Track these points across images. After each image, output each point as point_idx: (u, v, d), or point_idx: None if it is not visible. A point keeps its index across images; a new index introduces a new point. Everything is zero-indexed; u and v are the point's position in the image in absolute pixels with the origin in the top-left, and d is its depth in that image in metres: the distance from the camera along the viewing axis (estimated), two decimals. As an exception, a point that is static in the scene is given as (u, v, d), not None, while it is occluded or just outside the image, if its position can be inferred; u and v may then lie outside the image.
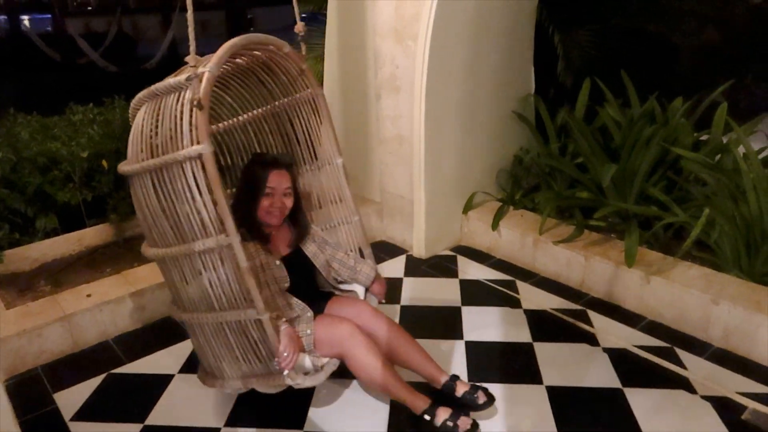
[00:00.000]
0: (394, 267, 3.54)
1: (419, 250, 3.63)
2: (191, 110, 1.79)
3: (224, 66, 2.28)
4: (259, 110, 2.58)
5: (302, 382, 1.98)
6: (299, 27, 2.38)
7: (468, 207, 3.73)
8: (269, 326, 1.89)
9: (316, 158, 2.63)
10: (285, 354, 1.95)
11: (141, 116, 2.02)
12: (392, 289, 3.26)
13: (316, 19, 4.85)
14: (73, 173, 3.71)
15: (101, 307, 2.81)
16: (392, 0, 3.35)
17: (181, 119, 1.81)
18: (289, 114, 2.58)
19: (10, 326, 2.64)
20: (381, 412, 2.31)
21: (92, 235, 3.57)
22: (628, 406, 2.34)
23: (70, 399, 2.46)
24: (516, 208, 3.74)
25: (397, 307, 3.09)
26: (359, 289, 2.55)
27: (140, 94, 2.08)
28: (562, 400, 2.38)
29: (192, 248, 1.89)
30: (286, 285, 2.27)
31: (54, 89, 10.00)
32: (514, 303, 3.12)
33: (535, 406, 2.35)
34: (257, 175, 2.23)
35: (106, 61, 11.12)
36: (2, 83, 10.85)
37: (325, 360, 2.14)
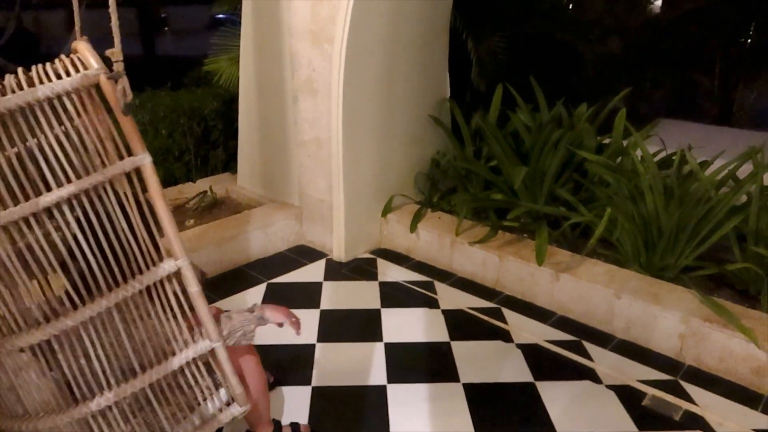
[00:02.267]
0: (314, 271, 3.51)
1: (339, 254, 3.62)
2: (91, 121, 1.44)
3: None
4: None
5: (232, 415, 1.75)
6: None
7: (387, 210, 3.76)
8: (222, 353, 1.66)
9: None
10: (292, 319, 1.87)
11: None
12: (311, 294, 3.24)
13: (232, 21, 4.76)
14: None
15: None
16: (308, 1, 3.34)
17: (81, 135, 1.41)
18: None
19: None
20: None
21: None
22: (539, 398, 2.43)
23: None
24: (434, 210, 3.81)
25: (317, 312, 3.07)
26: None
27: None
28: (478, 396, 2.44)
29: (126, 293, 1.50)
30: None
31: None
32: (433, 303, 3.18)
33: (452, 403, 2.40)
34: None
35: (5, 59, 10.39)
36: None
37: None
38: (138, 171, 1.50)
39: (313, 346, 2.77)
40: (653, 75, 6.86)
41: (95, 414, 1.54)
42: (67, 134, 1.45)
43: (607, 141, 3.65)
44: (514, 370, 2.62)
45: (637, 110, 4.83)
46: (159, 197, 1.53)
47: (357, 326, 2.95)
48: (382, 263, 3.63)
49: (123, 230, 1.50)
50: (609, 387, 2.52)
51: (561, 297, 3.08)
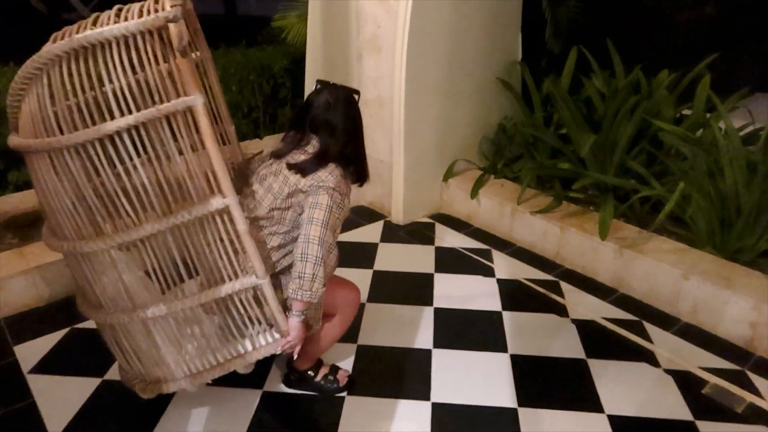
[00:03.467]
0: (371, 232, 3.51)
1: (397, 216, 3.59)
2: (156, 59, 1.54)
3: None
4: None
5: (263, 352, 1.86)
6: None
7: (448, 174, 3.68)
8: (269, 289, 1.75)
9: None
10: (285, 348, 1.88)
11: (56, 76, 1.58)
12: (367, 255, 3.24)
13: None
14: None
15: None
16: (376, -43, 3.25)
17: (142, 66, 1.54)
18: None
19: (-28, 277, 2.61)
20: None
21: (65, 190, 3.50)
22: (590, 376, 2.34)
23: (31, 352, 2.45)
24: (497, 177, 3.70)
25: (370, 272, 3.07)
26: None
27: (40, 56, 1.58)
28: (525, 369, 2.38)
29: (173, 221, 1.64)
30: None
31: (38, 42, 9.79)
32: (488, 272, 3.11)
33: (497, 374, 2.35)
34: (357, 108, 1.98)
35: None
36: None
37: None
38: (191, 110, 1.56)
39: (363, 305, 2.77)
40: (751, 43, 6.29)
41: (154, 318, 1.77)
42: (133, 70, 1.57)
43: (687, 112, 3.39)
44: (566, 345, 2.53)
45: (727, 81, 4.44)
46: (208, 136, 1.58)
47: (408, 289, 2.93)
48: (440, 228, 3.57)
49: (176, 163, 1.62)
50: (667, 371, 2.39)
51: (623, 274, 2.93)
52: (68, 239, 1.71)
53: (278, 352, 1.87)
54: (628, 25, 4.40)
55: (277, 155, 1.94)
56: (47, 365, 2.37)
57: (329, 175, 1.83)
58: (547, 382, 2.31)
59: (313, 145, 1.90)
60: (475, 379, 2.32)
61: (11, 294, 2.67)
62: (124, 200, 1.62)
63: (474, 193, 3.51)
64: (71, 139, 1.55)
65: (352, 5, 3.47)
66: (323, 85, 1.98)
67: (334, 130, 1.89)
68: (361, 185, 2.04)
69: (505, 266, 3.16)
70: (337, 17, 3.64)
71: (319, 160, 1.86)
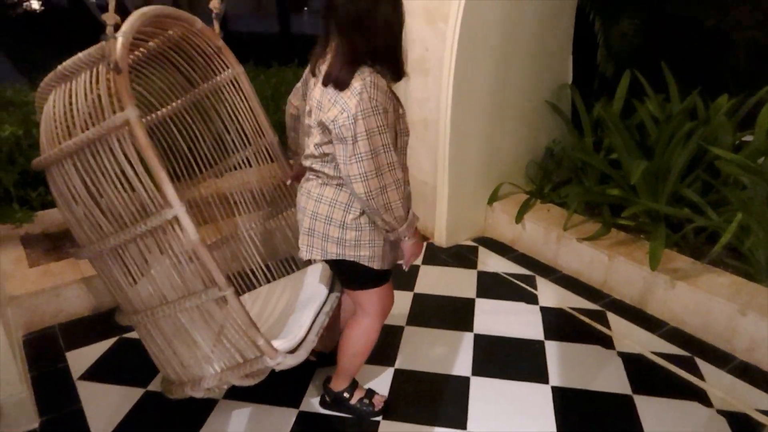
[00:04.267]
0: (413, 253, 3.49)
1: (440, 238, 3.57)
2: (109, 78, 1.64)
3: (136, 52, 2.11)
4: (179, 101, 2.33)
5: (284, 361, 1.83)
6: (214, 3, 2.16)
7: (493, 197, 3.64)
8: (235, 301, 1.71)
9: (249, 143, 2.44)
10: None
11: (50, 102, 1.84)
12: (407, 277, 3.23)
13: None
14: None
15: (118, 273, 2.87)
16: (426, -21, 3.27)
17: (99, 91, 1.67)
18: (212, 99, 2.36)
19: (30, 284, 2.72)
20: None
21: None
22: (636, 413, 2.25)
23: (81, 359, 2.54)
24: (543, 201, 3.63)
25: (410, 295, 3.05)
26: None
27: (46, 80, 1.88)
28: (567, 401, 2.31)
29: (133, 232, 1.73)
30: (408, 141, 1.86)
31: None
32: (531, 299, 3.04)
33: (538, 405, 2.28)
34: None
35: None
36: (53, 48, 11.13)
37: (302, 333, 1.95)
38: (128, 124, 1.62)
39: (402, 328, 2.76)
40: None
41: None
42: (85, 93, 1.72)
43: (748, 138, 3.25)
44: (611, 379, 2.44)
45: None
46: (146, 148, 1.60)
47: (449, 313, 2.89)
48: (483, 252, 3.53)
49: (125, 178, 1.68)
50: (720, 412, 2.27)
51: (675, 307, 2.81)
52: (89, 243, 1.86)
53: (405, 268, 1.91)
54: (685, 47, 4.27)
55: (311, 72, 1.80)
56: (95, 372, 2.45)
57: (353, 90, 1.60)
58: (589, 416, 2.23)
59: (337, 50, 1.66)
60: (514, 409, 2.26)
61: (66, 302, 2.78)
62: (99, 213, 1.78)
63: (519, 218, 3.46)
64: (50, 157, 1.78)
65: (402, 27, 3.50)
66: None
67: (354, 23, 1.61)
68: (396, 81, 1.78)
69: (549, 293, 3.09)
70: (386, 39, 3.67)
71: (344, 64, 1.62)
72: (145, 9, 1.76)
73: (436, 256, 3.47)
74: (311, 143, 1.78)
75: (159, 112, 2.33)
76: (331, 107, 1.65)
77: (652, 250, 2.86)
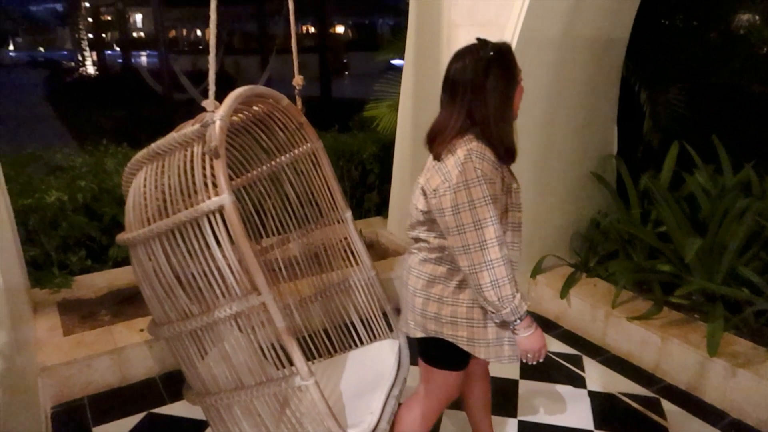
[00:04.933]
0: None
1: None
2: (204, 160, 1.65)
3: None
4: (254, 171, 2.35)
5: None
6: (297, 80, 2.27)
7: (536, 270, 3.51)
8: (316, 391, 1.66)
9: (322, 215, 2.44)
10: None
11: (141, 179, 1.84)
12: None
13: (393, 67, 4.88)
14: (147, 206, 3.83)
15: (152, 344, 2.83)
16: (469, 52, 3.28)
17: (193, 172, 1.66)
18: (287, 172, 2.38)
19: (62, 354, 2.69)
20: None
21: (157, 268, 3.64)
22: None
23: (108, 435, 2.46)
24: (589, 275, 3.48)
25: (449, 373, 2.90)
26: None
27: (136, 158, 1.90)
28: (622, 504, 2.11)
29: (216, 316, 1.69)
30: (521, 218, 1.74)
31: (151, 122, 10.63)
32: (578, 381, 2.86)
33: (589, 507, 2.09)
34: (510, 62, 1.63)
35: (204, 97, 11.73)
36: (106, 113, 11.63)
37: (374, 421, 1.86)
38: (222, 209, 1.60)
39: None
40: None
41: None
42: (178, 174, 1.69)
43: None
44: (670, 478, 2.23)
45: None
46: (239, 234, 1.59)
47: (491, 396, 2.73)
48: (525, 328, 3.37)
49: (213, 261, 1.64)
50: None
51: (736, 396, 2.60)
52: (168, 323, 1.80)
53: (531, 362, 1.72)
54: (735, 118, 4.15)
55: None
56: (120, 452, 2.37)
57: (457, 159, 1.55)
58: None
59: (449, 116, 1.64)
60: None
61: (97, 373, 2.73)
62: (182, 293, 1.72)
63: (564, 293, 3.31)
64: (139, 236, 1.74)
65: (443, 98, 3.50)
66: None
67: (456, 88, 1.61)
68: (510, 162, 1.68)
69: (597, 376, 2.90)
70: (427, 108, 3.67)
71: (450, 133, 1.60)
72: (240, 90, 1.79)
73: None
74: (413, 209, 1.74)
75: (234, 182, 2.35)
76: (434, 175, 1.61)
77: (709, 334, 2.68)
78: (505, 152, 1.64)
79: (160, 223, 1.70)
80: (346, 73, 21.61)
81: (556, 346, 3.18)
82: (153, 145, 1.79)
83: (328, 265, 2.48)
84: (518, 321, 1.61)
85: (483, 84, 1.58)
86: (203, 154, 1.65)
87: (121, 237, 1.88)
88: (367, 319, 2.44)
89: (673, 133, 3.75)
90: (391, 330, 2.42)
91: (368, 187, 4.76)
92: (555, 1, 2.99)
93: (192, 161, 1.67)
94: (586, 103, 3.45)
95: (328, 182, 2.36)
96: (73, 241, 3.67)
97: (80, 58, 22.09)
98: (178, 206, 1.68)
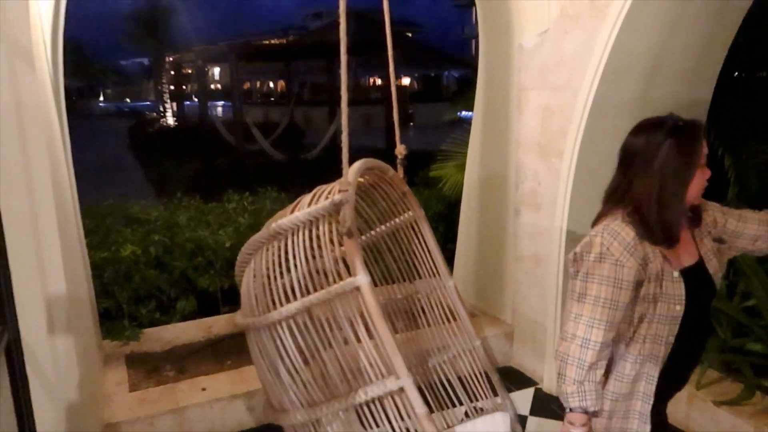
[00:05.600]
0: (520, 401, 3.18)
1: (550, 385, 3.25)
2: (332, 239, 1.63)
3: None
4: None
5: None
6: (400, 149, 2.28)
7: (610, 341, 3.30)
8: None
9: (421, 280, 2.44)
10: None
11: (262, 261, 1.79)
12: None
13: (460, 126, 4.87)
14: (215, 261, 3.92)
15: (212, 404, 2.81)
16: (539, 113, 3.23)
17: (321, 252, 1.65)
18: (387, 241, 2.37)
19: (127, 411, 2.72)
20: None
21: (223, 323, 3.68)
22: None
23: (165, 500, 2.43)
24: (669, 349, 3.24)
25: (517, 452, 2.73)
26: None
27: (253, 239, 1.85)
28: None
29: (351, 401, 1.61)
30: (679, 312, 1.55)
31: (224, 173, 11.00)
32: (660, 469, 2.62)
33: None
34: (690, 143, 1.50)
35: (275, 149, 12.14)
36: (182, 163, 12.15)
37: None
38: (359, 290, 1.56)
39: (507, 496, 2.44)
40: None
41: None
42: (305, 255, 1.68)
43: None
44: None
45: None
46: (375, 315, 1.54)
47: (561, 481, 2.54)
48: (599, 404, 3.15)
49: (350, 342, 1.60)
50: None
51: None
52: (293, 409, 1.73)
53: None
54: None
55: None
56: None
57: (593, 232, 1.51)
58: None
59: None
60: None
61: (158, 431, 2.73)
62: (310, 378, 1.67)
63: (642, 368, 3.09)
64: (261, 321, 1.70)
65: (512, 159, 3.44)
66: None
67: (625, 159, 1.56)
68: (667, 246, 1.52)
69: (682, 465, 2.66)
70: (495, 169, 3.62)
71: (606, 199, 1.59)
72: (358, 165, 1.80)
73: (545, 405, 3.14)
74: None
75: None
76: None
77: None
78: (662, 233, 1.50)
79: (289, 306, 1.65)
80: (411, 124, 21.93)
81: (634, 427, 2.95)
82: (273, 225, 1.76)
83: (428, 331, 2.47)
84: (568, 409, 1.50)
85: (651, 160, 1.49)
86: (331, 233, 1.64)
87: (241, 321, 1.84)
88: (472, 389, 2.41)
89: (761, 199, 3.51)
90: (495, 394, 2.38)
91: (433, 246, 4.69)
92: (631, 64, 2.90)
93: (318, 241, 1.65)
94: (664, 168, 3.29)
95: (429, 250, 2.34)
96: (144, 293, 3.77)
97: (161, 108, 23.52)
98: (306, 288, 1.65)
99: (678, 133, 1.50)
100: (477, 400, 2.48)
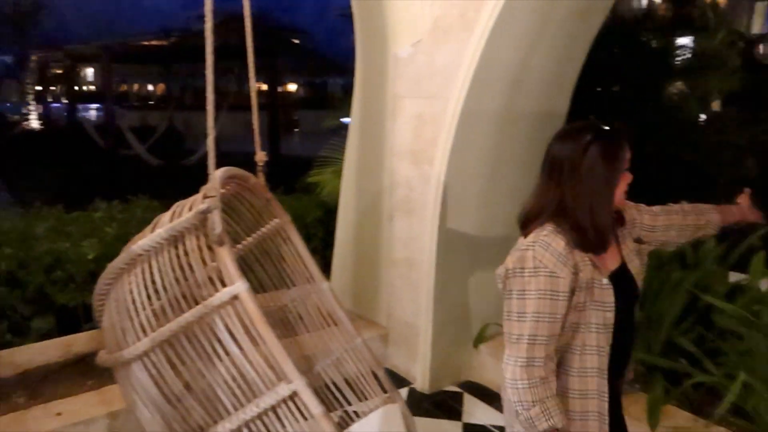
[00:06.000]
0: (395, 401, 3.25)
1: (423, 384, 3.35)
2: (201, 251, 1.55)
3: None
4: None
5: None
6: (260, 156, 2.24)
7: (479, 339, 3.47)
8: None
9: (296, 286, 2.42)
10: None
11: (125, 288, 1.65)
12: (388, 429, 2.97)
13: (340, 133, 4.90)
14: (76, 274, 3.65)
15: (68, 429, 2.61)
16: (412, 121, 3.32)
17: (190, 267, 1.55)
18: (256, 252, 2.31)
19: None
20: None
21: (84, 341, 3.43)
22: None
23: None
24: (532, 344, 3.45)
25: (390, 453, 2.78)
26: None
27: (112, 266, 1.69)
28: None
29: (243, 417, 1.52)
30: (610, 319, 1.55)
31: (93, 180, 10.31)
32: (523, 457, 2.78)
33: None
34: (614, 147, 1.52)
35: (151, 154, 11.58)
36: (46, 171, 11.22)
37: None
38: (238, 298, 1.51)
39: (380, 497, 2.47)
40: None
41: None
42: (183, 273, 1.58)
43: (740, 280, 3.16)
44: None
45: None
46: (259, 321, 1.49)
47: (432, 477, 2.63)
48: (469, 400, 3.30)
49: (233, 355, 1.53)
50: None
51: (680, 471, 2.58)
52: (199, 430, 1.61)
53: None
54: (669, 186, 4.32)
55: None
56: None
57: (525, 247, 1.49)
58: None
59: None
60: None
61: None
62: (194, 403, 1.56)
63: (508, 363, 3.27)
64: (132, 352, 1.57)
65: (387, 166, 3.51)
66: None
67: (553, 168, 1.53)
68: (598, 252, 1.52)
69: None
70: (371, 176, 3.68)
71: (530, 211, 1.57)
72: (219, 172, 1.71)
73: (418, 404, 3.23)
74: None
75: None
76: (511, 255, 1.56)
77: (650, 405, 2.67)
78: (596, 239, 1.51)
79: (162, 329, 1.53)
80: (297, 130, 21.77)
81: (500, 418, 3.09)
82: (133, 247, 1.62)
83: (308, 337, 2.44)
84: None
85: (579, 166, 1.50)
86: (200, 248, 1.55)
87: (106, 357, 1.68)
88: (360, 388, 2.41)
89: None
90: (384, 392, 2.39)
91: (312, 252, 4.67)
92: (497, 76, 3.07)
93: (186, 256, 1.55)
94: (527, 174, 3.51)
95: (300, 256, 2.34)
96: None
97: (25, 110, 21.62)
98: (179, 307, 1.54)
99: (603, 137, 1.52)
100: (366, 399, 2.48)
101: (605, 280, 1.53)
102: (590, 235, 1.50)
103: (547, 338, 1.45)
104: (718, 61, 6.49)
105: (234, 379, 1.53)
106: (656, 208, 1.83)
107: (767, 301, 2.85)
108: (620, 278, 1.59)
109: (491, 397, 3.33)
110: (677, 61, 5.98)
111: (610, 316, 1.53)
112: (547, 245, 1.47)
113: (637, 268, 1.66)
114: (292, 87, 32.63)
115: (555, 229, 1.51)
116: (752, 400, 2.58)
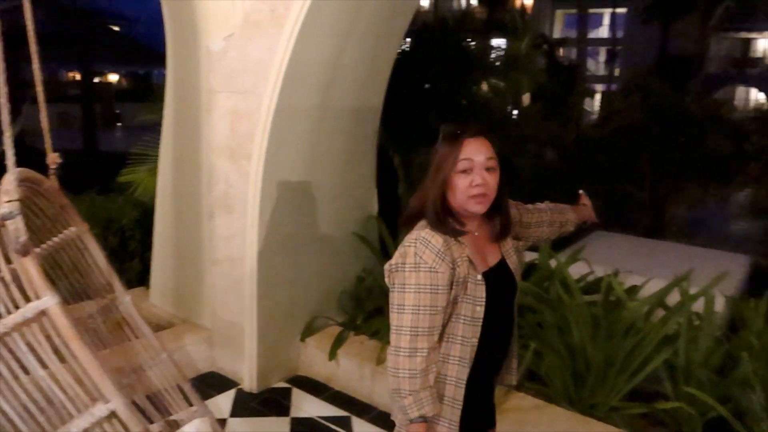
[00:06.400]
0: (220, 405, 3.17)
1: (251, 383, 3.30)
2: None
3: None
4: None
5: None
6: (53, 158, 2.05)
7: (306, 333, 3.50)
8: None
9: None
10: None
11: None
12: (213, 433, 2.89)
13: (154, 129, 4.65)
14: None
15: None
16: (228, 117, 3.24)
17: None
18: (46, 266, 2.07)
19: None
20: None
21: None
22: None
23: None
24: (358, 333, 3.57)
25: (215, 457, 2.72)
26: None
27: None
28: None
29: None
30: (480, 313, 1.60)
31: None
32: (348, 444, 2.87)
33: None
34: (446, 149, 1.59)
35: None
36: None
37: None
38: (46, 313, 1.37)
39: (203, 504, 2.40)
40: (586, 188, 7.02)
41: None
42: None
43: (535, 260, 3.55)
44: None
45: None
46: (72, 338, 1.38)
47: (258, 476, 2.61)
48: (297, 394, 3.32)
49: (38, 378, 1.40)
50: None
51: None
52: None
53: None
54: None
55: None
56: None
57: (404, 244, 1.56)
58: None
59: None
60: None
61: None
62: None
63: (332, 354, 3.34)
64: None
65: (204, 162, 3.40)
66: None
67: (428, 172, 1.62)
68: (458, 235, 1.59)
69: (366, 435, 2.95)
70: (188, 173, 3.54)
71: (409, 212, 1.64)
72: (11, 176, 1.50)
73: (246, 404, 3.19)
74: None
75: None
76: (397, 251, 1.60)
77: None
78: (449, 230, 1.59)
79: None
80: (119, 124, 20.15)
81: (327, 409, 3.18)
82: None
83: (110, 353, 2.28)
84: (408, 422, 1.53)
85: (430, 166, 1.61)
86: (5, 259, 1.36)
87: None
88: (165, 404, 2.31)
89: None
90: (190, 405, 2.33)
91: (130, 255, 4.39)
92: (310, 72, 3.09)
93: None
94: (345, 169, 3.60)
95: (99, 267, 2.15)
96: None
97: None
98: None
99: (442, 139, 1.62)
100: (170, 414, 2.39)
101: (479, 276, 1.61)
102: (442, 223, 1.59)
103: (429, 329, 1.53)
104: (525, 61, 7.19)
105: (40, 407, 1.40)
106: (529, 206, 1.96)
107: (555, 277, 3.23)
108: (499, 273, 1.68)
109: (318, 389, 3.38)
110: (491, 59, 6.48)
111: (480, 309, 1.61)
112: (427, 242, 1.55)
113: (515, 263, 1.76)
114: (113, 77, 30.13)
115: (428, 226, 1.59)
116: (544, 365, 2.92)
